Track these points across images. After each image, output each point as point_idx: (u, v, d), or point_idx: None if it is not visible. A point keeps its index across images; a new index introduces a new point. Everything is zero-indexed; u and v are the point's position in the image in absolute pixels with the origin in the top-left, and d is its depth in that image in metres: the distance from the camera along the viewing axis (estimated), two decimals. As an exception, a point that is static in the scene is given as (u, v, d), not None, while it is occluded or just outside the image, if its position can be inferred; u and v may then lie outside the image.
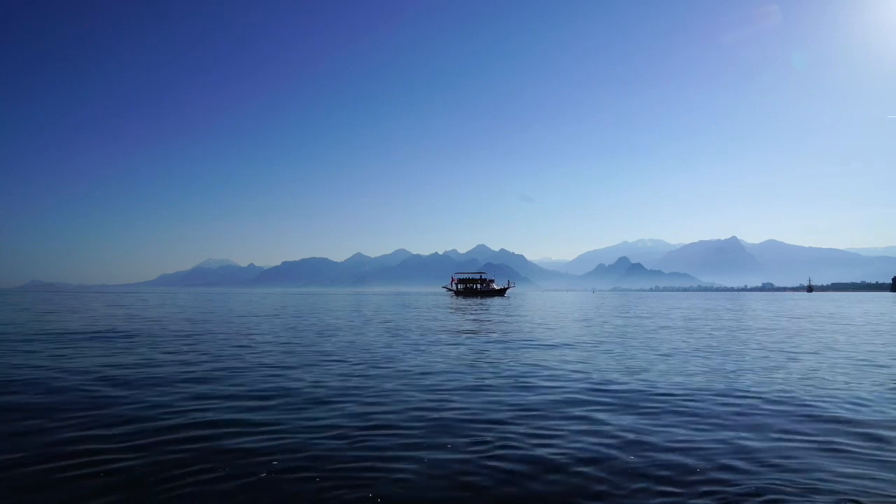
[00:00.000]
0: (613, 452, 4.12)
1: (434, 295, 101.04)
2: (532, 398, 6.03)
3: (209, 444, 4.27)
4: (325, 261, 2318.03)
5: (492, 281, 77.69)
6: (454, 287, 79.49)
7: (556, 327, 16.87)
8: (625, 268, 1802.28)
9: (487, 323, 18.73)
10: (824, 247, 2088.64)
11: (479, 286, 76.65)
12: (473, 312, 26.67)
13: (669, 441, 4.40)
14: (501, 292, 77.99)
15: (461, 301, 48.50)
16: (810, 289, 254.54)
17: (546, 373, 7.78)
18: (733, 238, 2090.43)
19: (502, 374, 7.65)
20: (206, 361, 8.83)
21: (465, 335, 13.83)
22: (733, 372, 7.93)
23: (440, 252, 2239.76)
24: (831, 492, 3.38)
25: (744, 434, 4.62)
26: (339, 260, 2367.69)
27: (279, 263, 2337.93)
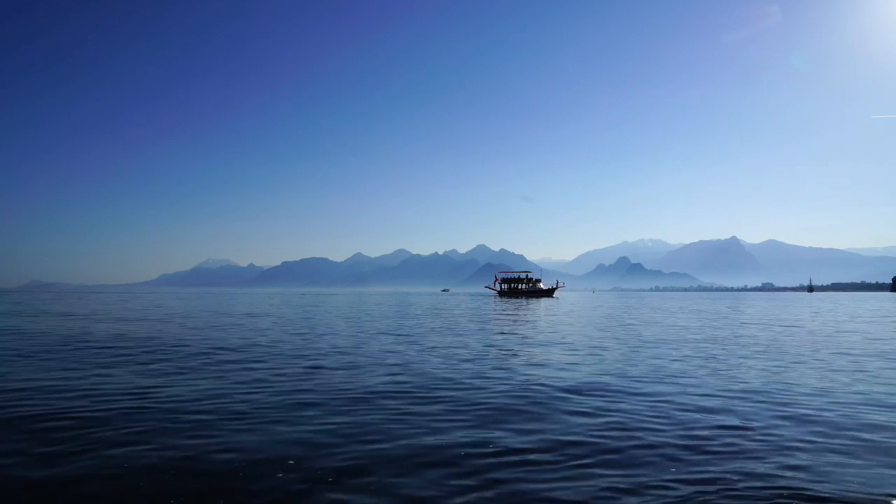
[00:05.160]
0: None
1: (433, 295, 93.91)
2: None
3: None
4: (325, 261, 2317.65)
5: (538, 280, 74.10)
6: (498, 287, 76.49)
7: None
8: (625, 268, 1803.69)
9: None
10: (824, 247, 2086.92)
11: (524, 286, 73.85)
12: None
13: None
14: (550, 292, 73.79)
15: (518, 303, 43.76)
16: (811, 289, 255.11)
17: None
18: (733, 238, 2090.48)
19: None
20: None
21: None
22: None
23: (440, 252, 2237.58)
24: None
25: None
26: (339, 260, 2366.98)
27: (279, 263, 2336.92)
